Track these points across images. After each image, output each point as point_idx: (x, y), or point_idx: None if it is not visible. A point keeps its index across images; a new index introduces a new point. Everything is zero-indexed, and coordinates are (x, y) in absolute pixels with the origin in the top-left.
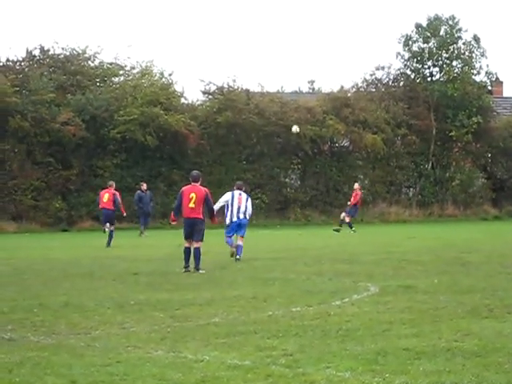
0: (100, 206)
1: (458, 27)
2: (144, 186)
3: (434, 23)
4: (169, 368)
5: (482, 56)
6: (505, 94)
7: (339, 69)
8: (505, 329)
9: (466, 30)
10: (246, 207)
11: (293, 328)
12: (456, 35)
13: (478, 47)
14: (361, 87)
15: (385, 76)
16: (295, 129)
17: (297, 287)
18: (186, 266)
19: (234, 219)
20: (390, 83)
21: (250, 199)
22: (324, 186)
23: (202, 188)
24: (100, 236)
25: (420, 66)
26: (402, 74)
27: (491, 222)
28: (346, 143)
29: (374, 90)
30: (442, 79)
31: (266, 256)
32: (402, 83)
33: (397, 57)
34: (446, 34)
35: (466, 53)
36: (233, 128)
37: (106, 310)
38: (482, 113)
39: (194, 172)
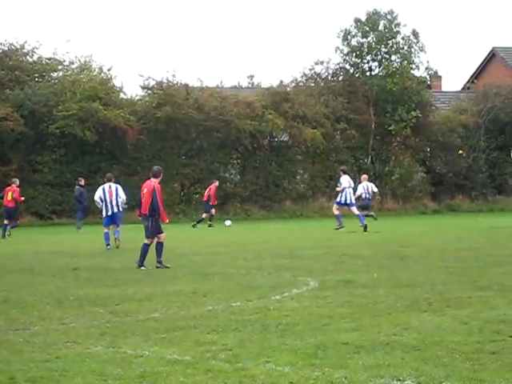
0: (4, 204)
1: (396, 22)
2: (82, 182)
3: (373, 18)
4: (108, 363)
5: (421, 51)
6: (443, 89)
7: (278, 64)
8: (444, 322)
9: (405, 25)
10: (117, 198)
11: (232, 323)
12: (395, 30)
13: (417, 42)
14: (300, 82)
15: (324, 71)
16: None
17: (237, 282)
18: (138, 262)
19: (109, 213)
20: (330, 78)
21: (119, 188)
22: (264, 180)
23: (152, 184)
24: (39, 232)
25: (359, 61)
26: (341, 68)
27: (430, 215)
28: (285, 138)
29: (313, 84)
30: (381, 74)
31: (206, 251)
32: (341, 78)
33: (336, 51)
34: (384, 29)
35: (405, 47)
36: (172, 123)
37: (46, 305)
38: (421, 107)
39: (155, 167)
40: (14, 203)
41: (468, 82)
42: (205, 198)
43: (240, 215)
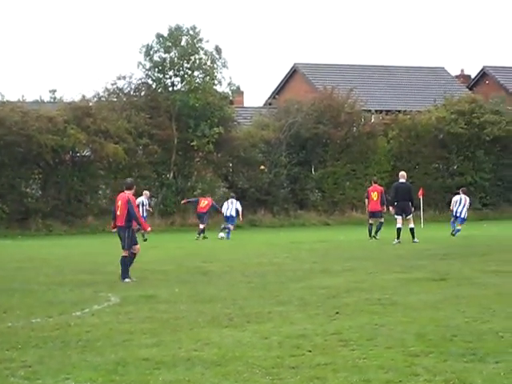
0: None
1: (199, 37)
2: None
3: (175, 33)
4: None
5: (224, 66)
6: (246, 104)
7: (81, 78)
8: (244, 338)
9: (208, 41)
10: None
11: (32, 339)
12: (197, 45)
13: (220, 58)
14: (102, 97)
15: (126, 86)
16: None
17: (37, 298)
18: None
19: None
20: (132, 93)
21: None
22: (65, 195)
23: (126, 195)
24: None
25: (161, 76)
26: (143, 83)
27: (233, 230)
28: (87, 153)
29: (115, 99)
30: (183, 89)
31: (7, 266)
32: (143, 93)
33: (138, 66)
34: (187, 45)
35: (208, 63)
36: None
37: None
38: (224, 123)
39: (128, 179)
40: None
41: (270, 97)
42: (205, 210)
43: (42, 231)
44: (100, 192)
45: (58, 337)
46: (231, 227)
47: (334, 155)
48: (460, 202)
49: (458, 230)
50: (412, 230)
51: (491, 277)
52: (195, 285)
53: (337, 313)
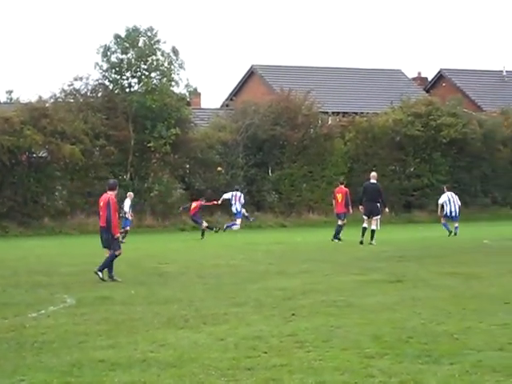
0: None
1: (156, 39)
2: None
3: (133, 34)
4: None
5: (181, 68)
6: (202, 106)
7: (38, 79)
8: (200, 339)
9: (165, 42)
10: None
11: None
12: (154, 47)
13: (177, 59)
14: (59, 97)
15: (83, 87)
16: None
17: None
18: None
19: None
20: (89, 94)
21: None
22: (22, 196)
23: (108, 196)
24: None
25: (119, 77)
26: (100, 84)
27: (189, 232)
28: (44, 154)
29: (72, 100)
30: (140, 90)
31: None
32: (100, 94)
33: (95, 67)
34: (144, 46)
35: (165, 64)
36: None
37: None
38: (181, 124)
39: (111, 180)
40: None
41: (227, 99)
42: (192, 212)
43: None
44: (56, 193)
45: (12, 338)
46: (238, 222)
47: (291, 157)
48: (449, 201)
49: (457, 228)
50: (373, 231)
51: (447, 279)
52: (151, 286)
53: (293, 314)
